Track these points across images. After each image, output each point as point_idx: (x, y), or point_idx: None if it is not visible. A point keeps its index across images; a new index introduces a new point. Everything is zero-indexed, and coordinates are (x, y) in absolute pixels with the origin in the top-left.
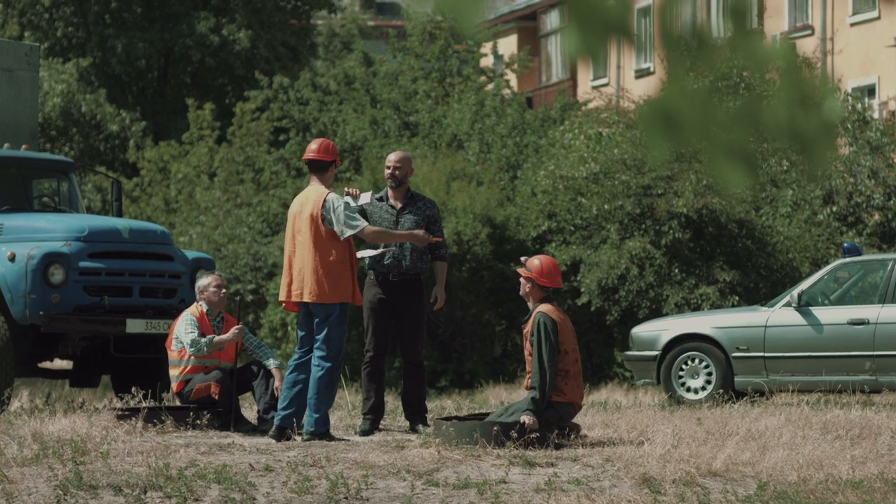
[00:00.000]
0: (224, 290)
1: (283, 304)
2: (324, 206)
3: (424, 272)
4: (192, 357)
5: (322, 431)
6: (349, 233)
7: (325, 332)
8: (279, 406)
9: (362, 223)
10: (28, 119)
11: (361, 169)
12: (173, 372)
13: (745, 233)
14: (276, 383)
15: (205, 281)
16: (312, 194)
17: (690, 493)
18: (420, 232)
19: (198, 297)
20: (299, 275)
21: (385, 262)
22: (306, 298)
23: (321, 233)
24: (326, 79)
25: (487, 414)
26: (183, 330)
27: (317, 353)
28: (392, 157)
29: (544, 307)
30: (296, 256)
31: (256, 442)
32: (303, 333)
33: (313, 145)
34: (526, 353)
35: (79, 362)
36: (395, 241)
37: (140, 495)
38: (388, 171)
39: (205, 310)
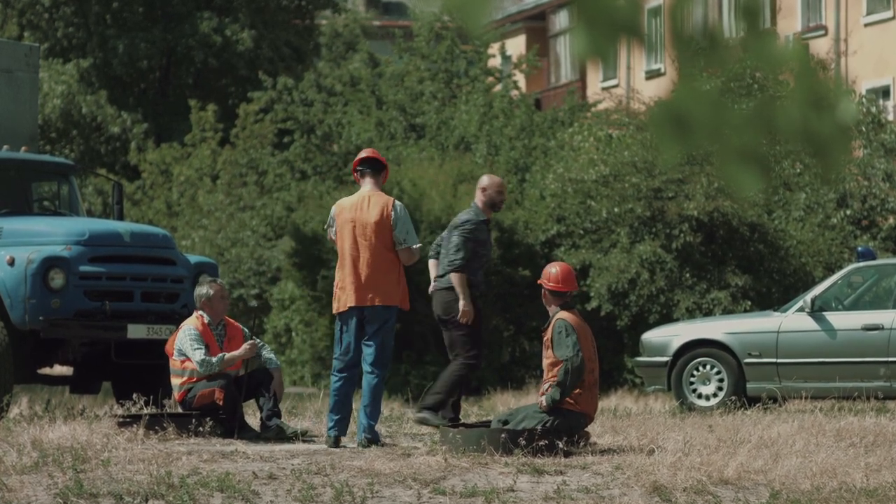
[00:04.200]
0: (228, 300)
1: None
2: (394, 213)
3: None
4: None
5: (378, 439)
6: (411, 244)
7: (380, 339)
8: (333, 416)
9: (416, 241)
10: (27, 121)
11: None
12: (175, 381)
13: (757, 237)
14: (275, 385)
15: (206, 291)
16: (376, 199)
17: (702, 501)
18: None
19: (198, 305)
20: (370, 279)
21: (480, 280)
22: (378, 302)
23: (389, 239)
24: (331, 80)
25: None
26: (189, 346)
27: (369, 360)
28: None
29: (563, 314)
30: (360, 261)
31: (260, 449)
32: (351, 341)
33: (367, 151)
34: (544, 360)
35: (79, 368)
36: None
37: (141, 503)
38: (500, 198)
39: (206, 321)
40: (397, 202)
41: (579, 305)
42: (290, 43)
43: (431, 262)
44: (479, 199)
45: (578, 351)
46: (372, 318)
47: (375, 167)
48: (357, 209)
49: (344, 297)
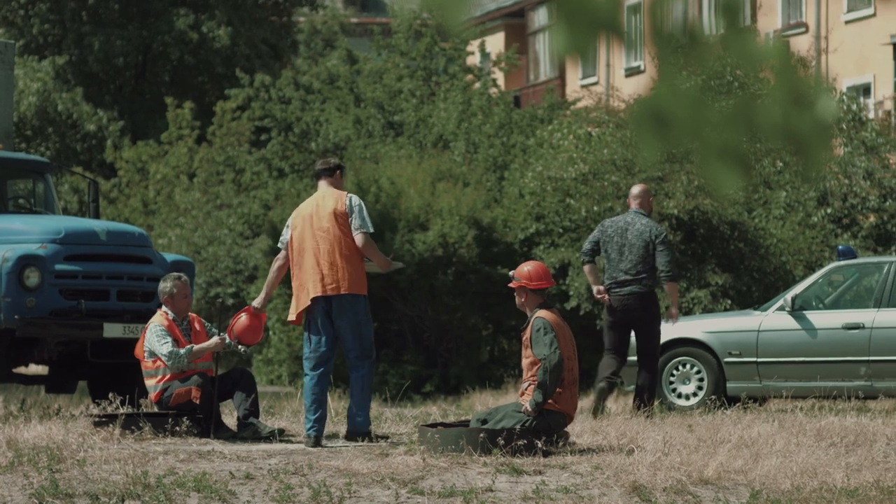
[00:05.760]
0: (191, 297)
1: (297, 318)
2: (349, 202)
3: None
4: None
5: (369, 430)
6: (365, 229)
7: (358, 330)
8: (311, 416)
9: (370, 228)
10: (2, 118)
11: (345, 170)
12: (149, 382)
13: (737, 235)
14: (209, 344)
15: (170, 287)
16: (330, 193)
17: (681, 501)
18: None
19: (161, 300)
20: (333, 269)
21: None
22: (343, 290)
23: (347, 227)
24: (309, 77)
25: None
26: (156, 342)
27: (352, 354)
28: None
29: (542, 312)
30: (321, 253)
31: (237, 449)
32: (321, 335)
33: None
34: (524, 359)
35: (55, 367)
36: (375, 260)
37: (117, 503)
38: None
39: (171, 317)
40: (352, 195)
41: (558, 305)
42: (268, 40)
43: (588, 268)
44: (645, 206)
45: (556, 349)
46: (340, 309)
47: (328, 169)
48: (313, 206)
49: (304, 294)
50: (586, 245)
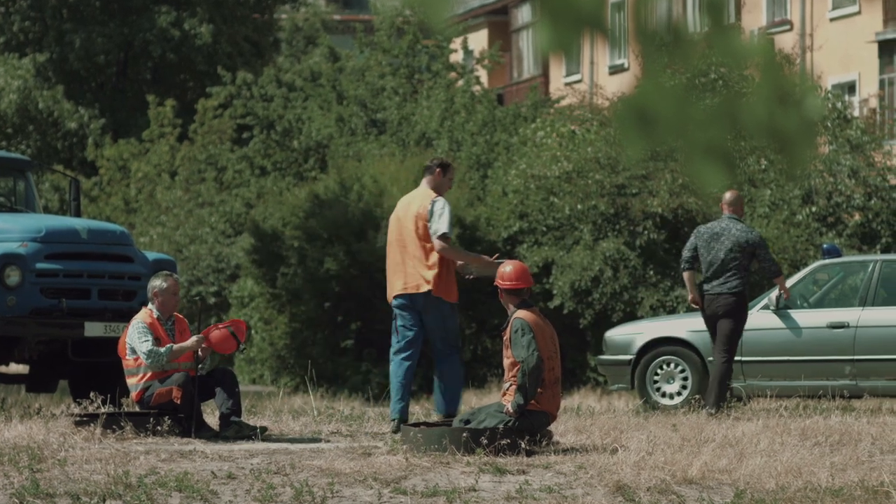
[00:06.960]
0: (178, 297)
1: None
2: (431, 206)
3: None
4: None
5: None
6: (440, 233)
7: (443, 323)
8: (397, 399)
9: (449, 231)
10: None
11: (327, 167)
12: (131, 381)
13: None
14: (189, 343)
15: (160, 284)
16: (419, 194)
17: (665, 500)
18: (486, 258)
19: (150, 298)
20: (415, 269)
21: None
22: (425, 290)
23: (426, 231)
24: (291, 75)
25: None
26: (137, 340)
27: (438, 345)
28: None
29: (521, 312)
30: (406, 253)
31: (219, 448)
32: (408, 328)
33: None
34: (505, 360)
35: (35, 367)
36: (462, 261)
37: (99, 503)
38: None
39: (156, 315)
40: (438, 199)
41: (541, 303)
42: (250, 37)
43: (687, 275)
44: (738, 212)
45: (534, 351)
46: (426, 306)
47: (428, 168)
48: (405, 204)
49: (390, 287)
50: (685, 253)
